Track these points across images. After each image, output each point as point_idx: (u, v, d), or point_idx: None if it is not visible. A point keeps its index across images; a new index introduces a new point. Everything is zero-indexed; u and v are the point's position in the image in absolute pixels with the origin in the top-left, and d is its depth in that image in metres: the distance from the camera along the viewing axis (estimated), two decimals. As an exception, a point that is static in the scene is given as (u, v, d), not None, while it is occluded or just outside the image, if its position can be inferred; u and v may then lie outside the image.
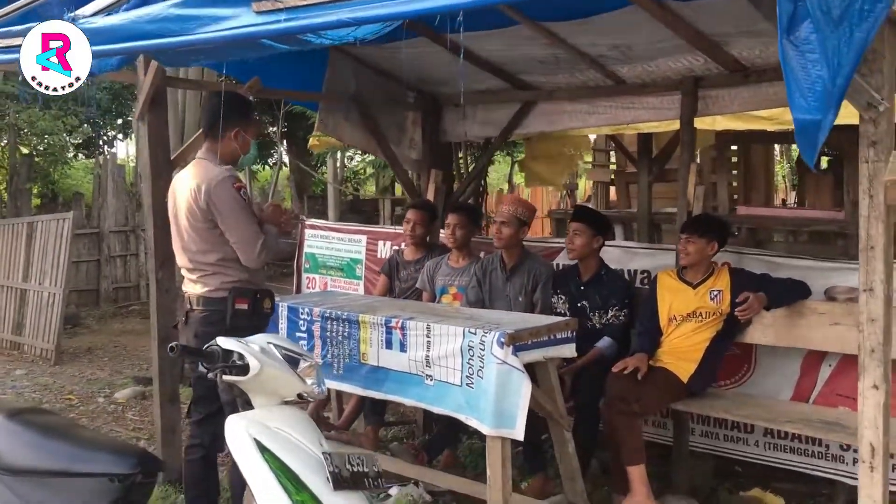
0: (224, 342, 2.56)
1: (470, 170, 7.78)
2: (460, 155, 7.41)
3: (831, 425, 4.04)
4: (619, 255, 5.46)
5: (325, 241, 7.03)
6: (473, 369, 3.82)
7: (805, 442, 4.53)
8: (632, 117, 5.40)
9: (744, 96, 4.88)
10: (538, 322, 4.03)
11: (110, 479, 2.64)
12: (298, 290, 7.11)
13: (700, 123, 5.61)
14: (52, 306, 9.47)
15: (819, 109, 1.77)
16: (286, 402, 2.67)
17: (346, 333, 4.40)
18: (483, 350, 3.77)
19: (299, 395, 2.66)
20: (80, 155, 17.05)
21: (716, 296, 4.53)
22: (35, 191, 13.78)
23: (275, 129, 13.59)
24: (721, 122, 5.74)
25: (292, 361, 2.67)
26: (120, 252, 12.75)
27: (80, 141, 15.74)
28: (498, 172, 23.18)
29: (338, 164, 15.13)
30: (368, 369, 4.30)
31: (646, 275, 5.28)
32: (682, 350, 4.52)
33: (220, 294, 3.85)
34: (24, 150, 14.10)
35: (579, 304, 4.92)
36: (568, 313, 4.92)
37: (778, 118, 5.55)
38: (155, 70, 4.47)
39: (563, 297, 4.97)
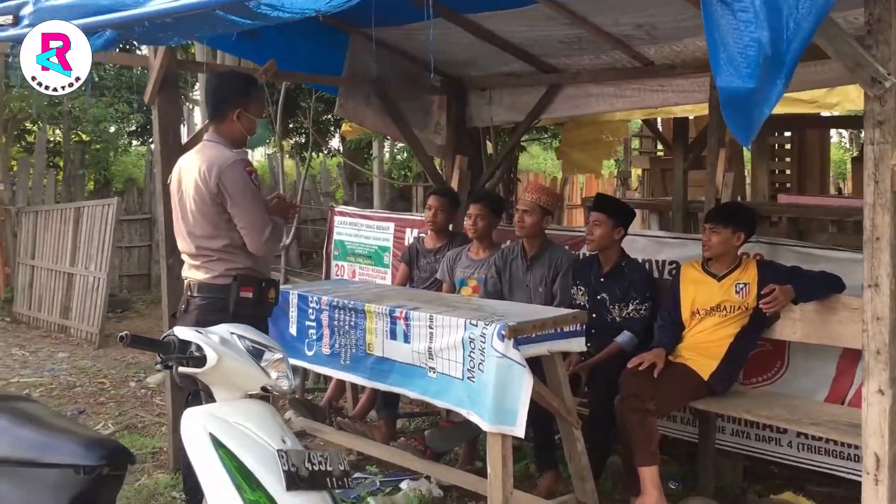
0: (181, 332, 2.46)
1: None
2: (489, 141, 7.21)
3: (854, 427, 3.77)
4: (647, 244, 5.24)
5: (354, 228, 6.94)
6: (474, 362, 3.67)
7: (841, 444, 4.26)
8: (660, 100, 5.16)
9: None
10: (543, 314, 3.85)
11: (76, 470, 2.55)
12: (327, 278, 7.04)
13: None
14: (97, 290, 9.60)
15: (751, 77, 1.55)
16: (251, 396, 2.56)
17: (352, 323, 4.29)
18: (484, 343, 3.62)
19: (263, 389, 2.55)
20: (134, 142, 17.30)
21: (741, 289, 4.28)
22: (89, 177, 13.99)
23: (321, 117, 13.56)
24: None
25: (259, 354, 2.56)
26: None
27: (134, 128, 15.96)
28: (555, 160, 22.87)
29: (385, 151, 15.05)
30: (374, 360, 4.19)
31: (674, 266, 5.05)
32: (704, 345, 4.30)
33: (224, 281, 3.77)
34: (82, 137, 14.34)
35: (599, 297, 4.72)
36: (587, 306, 4.73)
37: (819, 101, 5.24)
38: (164, 53, 4.40)
39: (583, 289, 4.77)
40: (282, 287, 4.87)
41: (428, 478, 4.61)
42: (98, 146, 14.16)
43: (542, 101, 5.68)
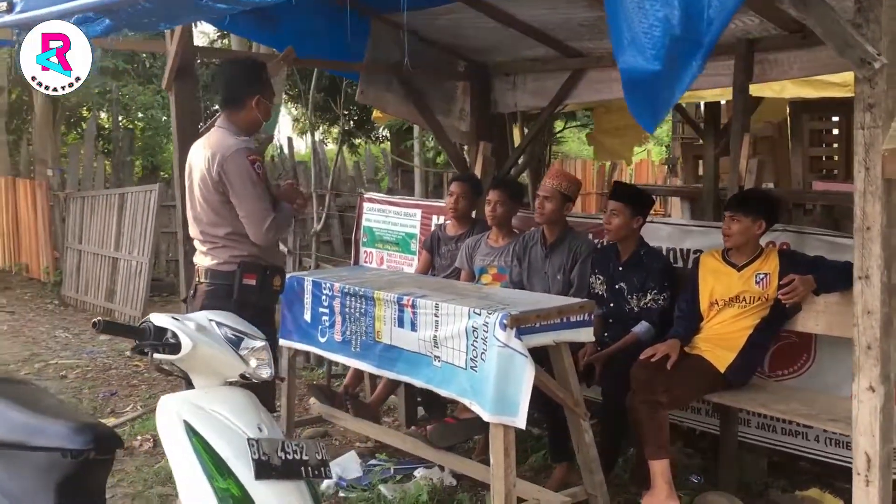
0: (157, 318, 2.45)
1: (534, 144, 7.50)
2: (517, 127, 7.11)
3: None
4: (672, 233, 5.10)
5: (382, 214, 6.91)
6: (477, 352, 3.62)
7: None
8: (685, 84, 5.00)
9: (803, 60, 4.44)
10: (549, 303, 3.77)
11: (63, 454, 2.57)
12: (356, 265, 7.03)
13: (768, 91, 5.17)
14: (140, 275, 9.78)
15: (657, 58, 1.45)
16: (231, 384, 2.55)
17: (362, 310, 4.26)
18: (486, 332, 3.56)
19: (242, 376, 2.53)
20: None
21: (762, 279, 4.15)
22: (138, 164, 14.23)
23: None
24: (791, 90, 5.25)
25: (238, 341, 2.54)
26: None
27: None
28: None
29: (427, 137, 14.99)
30: (382, 347, 4.16)
31: (699, 255, 4.91)
32: (721, 337, 4.18)
33: (229, 268, 3.78)
34: (134, 124, 14.59)
35: (617, 286, 4.61)
36: (605, 295, 4.64)
37: (850, 84, 5.02)
38: (180, 40, 4.42)
39: (601, 278, 4.67)
40: (297, 273, 4.89)
41: (441, 467, 4.57)
42: (147, 133, 14.37)
43: (565, 86, 5.56)
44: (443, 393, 3.88)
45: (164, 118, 14.08)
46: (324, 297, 4.52)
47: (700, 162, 7.70)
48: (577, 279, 4.73)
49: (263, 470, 2.30)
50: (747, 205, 4.19)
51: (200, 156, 3.80)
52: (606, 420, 4.28)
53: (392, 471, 4.68)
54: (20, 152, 13.33)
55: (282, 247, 9.31)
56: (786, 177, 8.05)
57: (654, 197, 4.89)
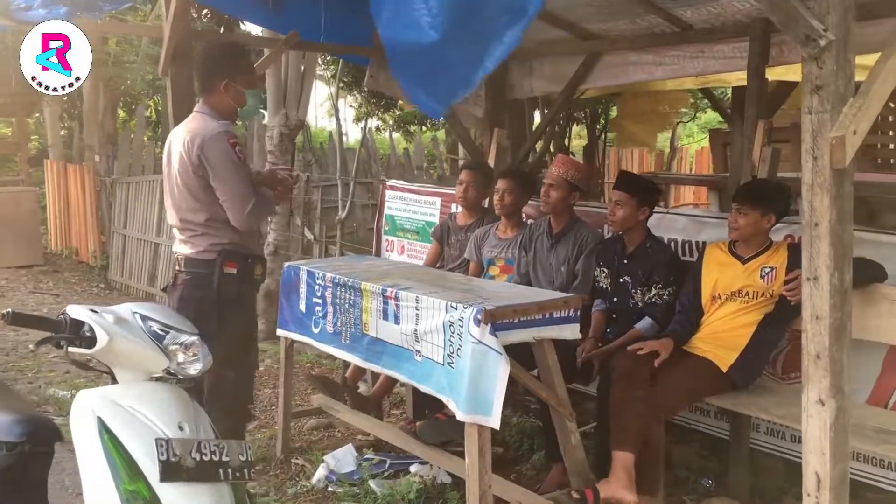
0: (73, 311, 2.37)
1: (553, 130, 7.27)
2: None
3: (885, 435, 3.37)
4: (687, 224, 4.87)
5: (403, 202, 6.80)
6: (454, 347, 3.48)
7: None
8: (700, 67, 4.76)
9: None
10: (529, 298, 3.60)
11: None
12: (377, 253, 6.94)
13: (792, 75, 4.89)
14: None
15: (433, 27, 1.27)
16: (159, 379, 2.46)
17: (351, 301, 4.16)
18: (462, 327, 3.42)
19: (168, 372, 2.44)
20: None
21: (767, 274, 3.90)
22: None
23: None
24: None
25: (163, 336, 2.44)
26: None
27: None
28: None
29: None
30: (369, 340, 4.05)
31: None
32: (722, 335, 3.95)
33: (209, 256, 3.71)
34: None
35: (622, 280, 4.41)
36: (609, 289, 4.44)
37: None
38: (175, 23, 4.36)
39: (606, 271, 4.47)
40: (294, 263, 4.81)
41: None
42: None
43: (580, 70, 5.34)
44: (423, 389, 3.75)
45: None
46: (317, 287, 4.43)
47: (728, 150, 7.37)
48: (581, 272, 4.55)
49: (171, 471, 2.20)
50: (756, 197, 3.94)
51: (179, 140, 3.74)
52: (603, 420, 4.09)
53: (387, 465, 4.56)
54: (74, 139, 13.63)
55: (307, 234, 9.32)
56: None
57: (661, 187, 4.64)
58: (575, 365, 4.24)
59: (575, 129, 20.96)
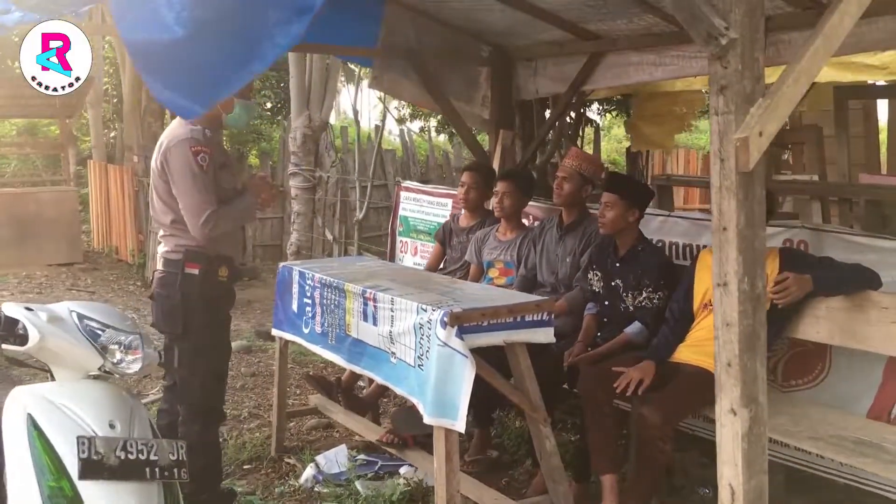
0: (8, 308, 2.41)
1: (562, 132, 7.17)
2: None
3: (868, 447, 3.25)
4: (689, 227, 4.77)
5: (417, 203, 6.79)
6: (423, 350, 3.47)
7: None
8: (699, 68, 4.65)
9: (820, 40, 4.01)
10: (499, 301, 3.56)
11: None
12: (392, 254, 6.94)
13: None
14: (211, 259, 9.98)
15: (179, 23, 1.24)
16: (98, 377, 2.49)
17: (336, 302, 4.18)
18: (430, 329, 3.40)
19: (103, 370, 2.46)
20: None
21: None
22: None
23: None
24: (827, 74, 4.79)
25: (98, 335, 2.47)
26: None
27: (270, 105, 16.41)
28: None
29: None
30: (351, 341, 4.06)
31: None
32: (707, 342, 3.83)
33: (175, 256, 3.74)
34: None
35: (613, 283, 4.33)
36: (602, 292, 4.37)
37: (890, 66, 4.54)
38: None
39: (599, 274, 4.40)
40: (289, 263, 4.84)
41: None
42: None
43: (583, 71, 5.27)
44: (397, 391, 3.75)
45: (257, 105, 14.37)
46: (307, 288, 4.46)
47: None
48: (585, 264, 4.51)
49: (91, 469, 2.22)
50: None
51: (158, 143, 3.79)
52: (583, 426, 4.03)
53: (378, 467, 4.56)
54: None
55: (328, 234, 9.37)
56: (875, 162, 7.43)
57: (653, 190, 4.56)
58: (562, 368, 4.19)
59: (616, 131, 20.76)
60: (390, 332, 3.69)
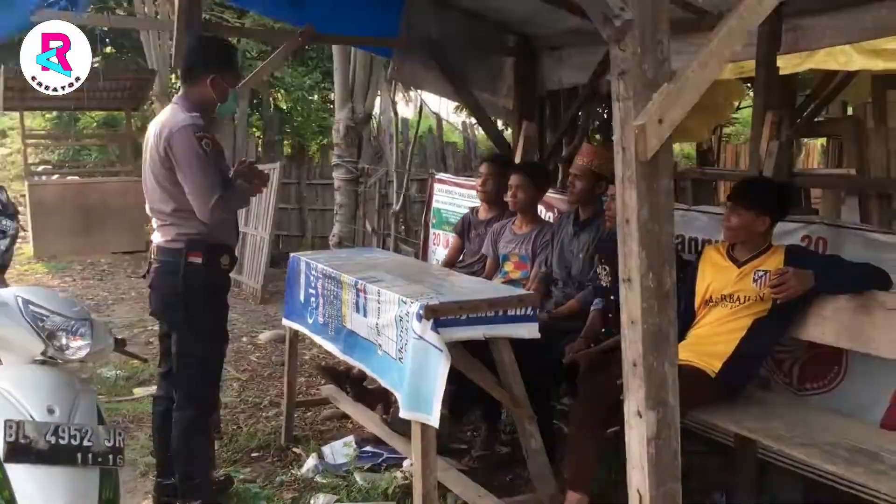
0: (-49, 294, 2.47)
1: (588, 122, 6.97)
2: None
3: (861, 456, 3.07)
4: (708, 222, 4.61)
5: (449, 196, 6.75)
6: (403, 342, 3.43)
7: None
8: (718, 56, 4.46)
9: (837, 25, 3.81)
10: (478, 295, 3.49)
11: None
12: (425, 246, 6.92)
13: (833, 63, 4.53)
14: (262, 249, 10.16)
15: None
16: (45, 362, 2.52)
17: (335, 293, 4.17)
18: (408, 322, 3.36)
19: (47, 356, 2.50)
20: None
21: (760, 278, 3.63)
22: (287, 143, 14.78)
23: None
24: (858, 61, 4.54)
25: (44, 320, 2.50)
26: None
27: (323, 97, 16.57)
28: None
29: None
30: (347, 332, 4.05)
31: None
32: (709, 340, 3.70)
33: (176, 245, 3.75)
34: (291, 105, 15.17)
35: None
36: (610, 286, 4.25)
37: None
38: (182, 17, 4.47)
39: (607, 269, 4.28)
40: (298, 253, 4.86)
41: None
42: (297, 113, 14.88)
43: (605, 60, 5.12)
44: (383, 384, 3.71)
45: (316, 97, 14.61)
46: (312, 279, 4.47)
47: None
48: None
49: (17, 452, 2.25)
50: (750, 196, 3.68)
51: (152, 131, 3.81)
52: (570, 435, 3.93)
53: (382, 459, 4.55)
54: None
55: (367, 226, 9.39)
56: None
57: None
58: (561, 364, 4.10)
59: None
60: (377, 323, 3.67)
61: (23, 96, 11.76)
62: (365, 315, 3.80)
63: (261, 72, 4.91)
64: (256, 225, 10.42)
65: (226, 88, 3.83)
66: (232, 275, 10.52)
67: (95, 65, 15.72)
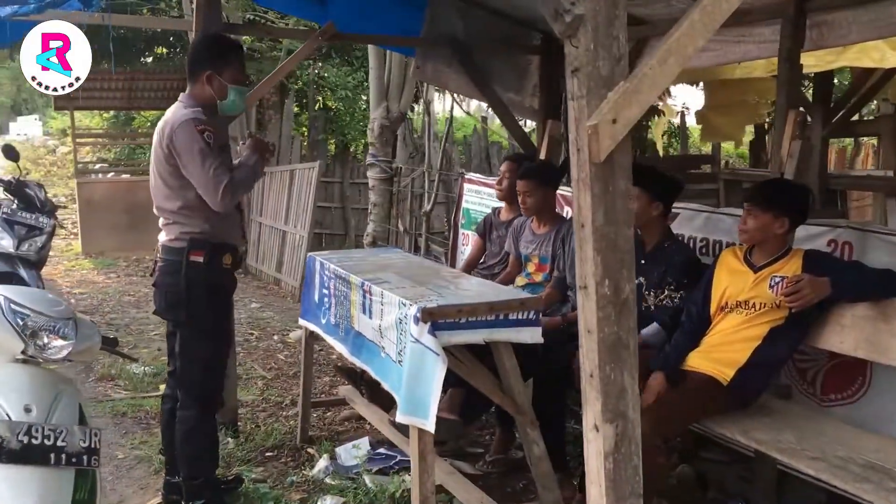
0: (-72, 292, 2.48)
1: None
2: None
3: (875, 473, 2.93)
4: (733, 224, 4.44)
5: (478, 196, 6.69)
6: (402, 345, 3.38)
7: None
8: (741, 53, 4.32)
9: (863, 21, 3.65)
10: (478, 298, 3.41)
11: None
12: (454, 246, 6.87)
13: (867, 60, 4.37)
14: (300, 248, 10.22)
15: None
16: (26, 361, 2.53)
17: (345, 294, 4.14)
18: (407, 325, 3.31)
19: (27, 355, 2.50)
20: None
21: (776, 284, 3.49)
22: (332, 142, 14.85)
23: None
24: (893, 58, 4.36)
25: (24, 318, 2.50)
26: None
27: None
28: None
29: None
30: (355, 333, 4.01)
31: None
32: (720, 348, 3.58)
33: (179, 244, 3.76)
34: (336, 105, 15.24)
35: (637, 281, 4.05)
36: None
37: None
38: (198, 14, 4.48)
39: (623, 272, 4.17)
40: (315, 253, 4.84)
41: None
42: (341, 112, 14.93)
43: (629, 58, 4.99)
44: (385, 386, 3.66)
45: (364, 97, 14.63)
46: (325, 279, 4.45)
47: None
48: None
49: (-14, 453, 2.25)
50: (767, 198, 3.53)
51: (157, 129, 3.82)
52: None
53: (395, 462, 4.50)
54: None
55: (399, 226, 9.35)
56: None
57: (682, 183, 4.27)
58: (569, 369, 4.01)
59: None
60: (379, 325, 3.62)
61: (72, 96, 12.00)
62: (370, 316, 3.76)
63: (280, 72, 4.89)
64: (296, 223, 10.49)
65: (224, 85, 3.79)
66: (271, 273, 10.64)
67: (146, 64, 16.04)
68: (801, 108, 3.91)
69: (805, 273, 3.42)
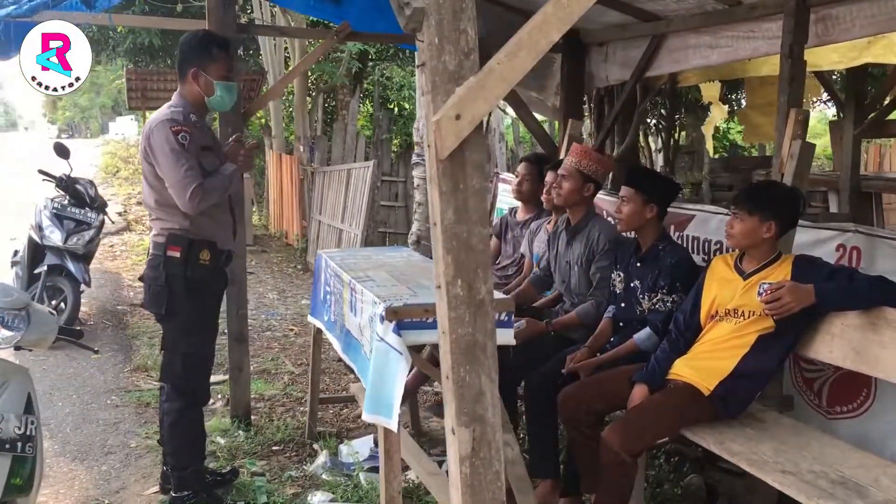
0: None
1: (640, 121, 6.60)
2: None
3: (845, 490, 2.78)
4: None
5: (510, 196, 6.62)
6: (372, 343, 3.37)
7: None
8: (751, 49, 4.15)
9: (867, 14, 3.46)
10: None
11: None
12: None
13: (891, 56, 4.16)
14: (355, 245, 10.32)
15: None
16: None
17: (339, 291, 4.16)
18: (375, 323, 3.30)
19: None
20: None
21: (765, 291, 3.35)
22: (395, 142, 14.96)
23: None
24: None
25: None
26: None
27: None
28: None
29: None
30: (346, 331, 4.03)
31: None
32: (707, 356, 3.44)
33: (160, 240, 3.82)
34: (401, 104, 15.35)
35: (632, 284, 4.00)
36: (621, 293, 4.05)
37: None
38: (209, 15, 4.58)
39: (621, 275, 4.07)
40: (324, 250, 4.88)
41: (438, 463, 4.32)
42: (404, 112, 15.03)
43: (645, 56, 4.86)
44: (364, 385, 3.66)
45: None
46: (328, 276, 4.48)
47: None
48: (599, 276, 4.22)
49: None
50: (755, 201, 3.39)
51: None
52: (571, 437, 3.76)
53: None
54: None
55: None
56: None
57: (679, 185, 4.13)
58: (560, 374, 3.94)
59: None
60: (359, 323, 3.63)
61: (145, 96, 12.43)
62: (355, 314, 3.77)
63: (293, 73, 4.96)
64: (350, 222, 10.60)
65: (210, 82, 3.82)
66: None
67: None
68: (805, 107, 3.72)
69: (793, 280, 3.27)
